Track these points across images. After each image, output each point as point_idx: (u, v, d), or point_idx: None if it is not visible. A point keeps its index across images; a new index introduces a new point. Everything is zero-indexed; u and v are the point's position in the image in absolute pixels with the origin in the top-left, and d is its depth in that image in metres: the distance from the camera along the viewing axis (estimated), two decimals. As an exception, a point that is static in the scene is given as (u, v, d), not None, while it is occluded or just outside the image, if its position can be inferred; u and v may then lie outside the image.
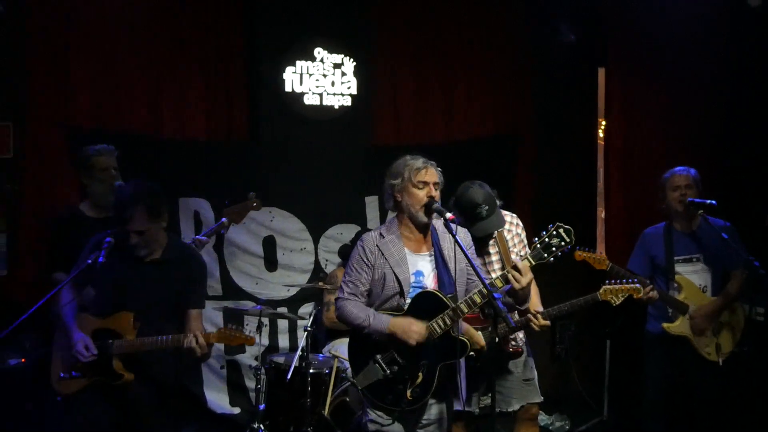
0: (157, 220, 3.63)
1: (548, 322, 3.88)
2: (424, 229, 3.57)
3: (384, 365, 3.44)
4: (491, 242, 4.07)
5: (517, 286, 3.38)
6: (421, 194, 3.48)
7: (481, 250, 4.04)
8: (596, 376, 6.26)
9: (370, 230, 5.77)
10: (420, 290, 3.50)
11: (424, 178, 3.49)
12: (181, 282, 3.69)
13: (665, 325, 4.64)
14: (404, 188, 3.50)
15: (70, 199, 5.42)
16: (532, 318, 3.86)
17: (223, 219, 4.82)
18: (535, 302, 4.02)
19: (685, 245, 4.69)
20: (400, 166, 3.54)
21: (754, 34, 6.07)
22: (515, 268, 3.39)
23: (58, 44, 5.47)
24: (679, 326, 4.62)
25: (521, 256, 4.13)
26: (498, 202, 3.93)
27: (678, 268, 4.69)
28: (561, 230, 3.44)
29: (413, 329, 3.39)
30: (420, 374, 3.42)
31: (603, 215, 7.00)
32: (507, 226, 4.12)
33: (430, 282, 3.54)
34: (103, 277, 3.54)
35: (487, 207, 3.82)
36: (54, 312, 3.69)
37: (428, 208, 3.48)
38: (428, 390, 3.45)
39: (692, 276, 4.67)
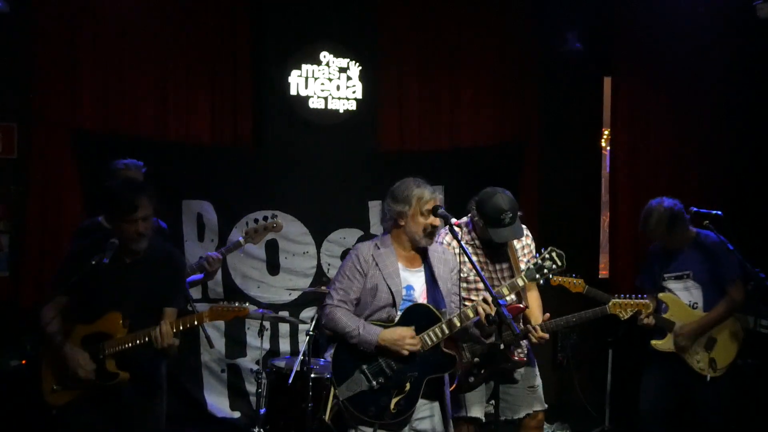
0: (154, 209, 3.63)
1: (547, 335, 3.92)
2: (420, 249, 3.61)
3: (370, 376, 3.42)
4: (501, 251, 4.07)
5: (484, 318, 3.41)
6: (427, 222, 3.51)
7: (493, 257, 4.04)
8: (598, 385, 6.24)
9: (373, 235, 5.81)
10: (411, 303, 3.51)
11: (431, 207, 3.52)
12: (162, 281, 3.68)
13: (653, 342, 4.66)
14: (411, 216, 3.52)
15: (73, 201, 5.44)
16: (531, 330, 3.90)
17: (240, 238, 4.75)
18: (536, 315, 4.06)
19: (677, 262, 4.68)
20: (408, 195, 3.52)
21: (762, 44, 6.05)
22: (485, 300, 3.41)
23: (65, 46, 5.48)
24: (665, 343, 4.62)
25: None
26: (518, 213, 3.94)
27: (670, 284, 4.69)
28: (554, 254, 3.65)
29: (407, 341, 3.37)
30: (407, 386, 3.39)
31: (607, 223, 6.99)
32: None
33: (419, 297, 3.56)
34: (89, 281, 3.51)
35: (510, 215, 3.84)
36: (40, 329, 3.65)
37: (433, 213, 3.50)
38: (413, 403, 3.42)
39: (683, 293, 4.67)
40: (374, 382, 3.41)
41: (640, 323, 4.47)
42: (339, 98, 6.11)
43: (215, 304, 3.71)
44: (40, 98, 5.44)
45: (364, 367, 3.43)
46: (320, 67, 6.06)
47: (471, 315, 3.43)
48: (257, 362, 5.43)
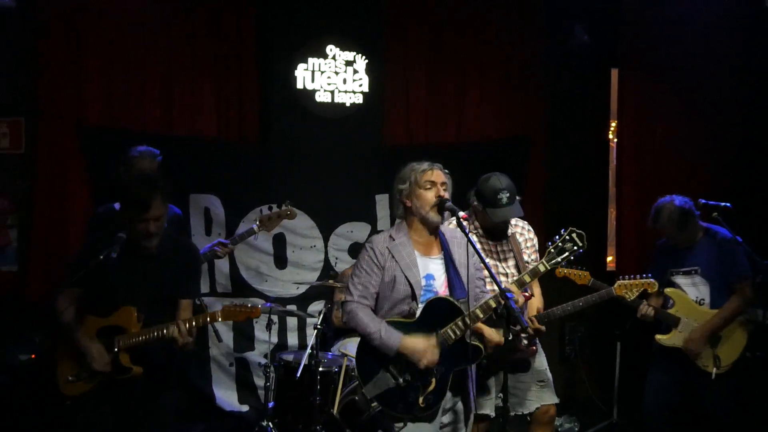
0: (167, 207, 3.65)
1: (543, 327, 3.93)
2: (434, 231, 3.55)
3: (396, 373, 3.39)
4: (504, 241, 4.08)
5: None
6: (430, 195, 3.48)
7: (497, 246, 4.05)
8: (606, 378, 6.23)
9: (380, 230, 5.81)
10: (432, 295, 3.46)
11: (431, 178, 3.50)
12: (177, 273, 3.70)
13: (657, 336, 4.66)
14: (412, 192, 3.50)
15: (80, 196, 5.46)
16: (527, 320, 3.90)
17: (254, 226, 4.79)
18: (536, 307, 4.08)
19: (685, 258, 4.67)
20: (407, 172, 3.56)
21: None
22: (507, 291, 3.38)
23: (71, 40, 5.48)
24: (670, 338, 4.61)
25: (533, 259, 4.15)
26: (516, 197, 3.95)
27: (678, 279, 4.68)
28: (574, 235, 3.52)
29: (427, 356, 3.34)
30: (433, 381, 3.37)
31: (614, 216, 6.97)
32: (519, 230, 4.17)
33: (440, 285, 3.50)
34: (101, 274, 3.53)
35: (508, 194, 3.86)
36: (53, 320, 3.67)
37: (440, 208, 3.46)
38: (441, 396, 3.41)
39: (690, 288, 4.66)
40: (401, 379, 3.38)
41: (640, 315, 4.47)
42: (345, 92, 6.10)
43: (228, 304, 3.71)
44: (46, 93, 5.44)
45: (389, 365, 3.40)
46: (326, 61, 6.05)
47: (493, 305, 3.38)
48: (265, 356, 5.45)
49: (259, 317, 3.84)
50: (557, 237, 3.52)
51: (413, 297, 3.44)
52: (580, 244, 3.49)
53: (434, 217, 3.49)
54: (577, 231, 3.51)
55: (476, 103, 6.52)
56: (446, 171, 3.58)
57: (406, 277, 3.44)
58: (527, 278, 3.58)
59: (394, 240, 3.51)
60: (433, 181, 3.49)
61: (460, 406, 3.53)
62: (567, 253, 3.49)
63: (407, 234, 3.53)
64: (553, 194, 6.64)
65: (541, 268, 3.55)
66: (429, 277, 3.49)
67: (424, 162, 3.57)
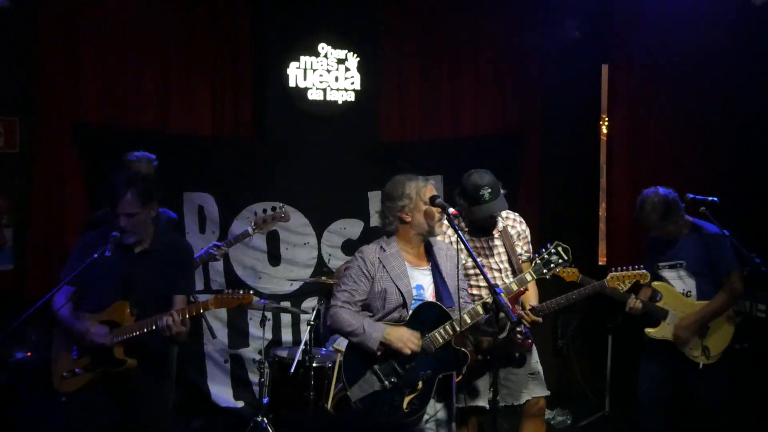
0: (147, 207, 3.68)
1: (539, 319, 4.00)
2: (424, 241, 3.62)
3: (382, 375, 3.42)
4: (497, 235, 4.13)
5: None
6: (432, 209, 3.53)
7: (488, 243, 4.11)
8: (598, 371, 6.29)
9: (373, 226, 5.85)
10: (420, 302, 3.52)
11: (432, 193, 3.56)
12: (170, 270, 3.76)
13: (647, 330, 4.69)
14: (416, 207, 3.54)
15: (76, 194, 5.48)
16: (522, 314, 3.95)
17: (248, 228, 4.85)
18: (533, 301, 4.13)
19: (670, 252, 4.70)
20: (404, 189, 3.57)
21: (758, 31, 6.06)
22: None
23: (66, 40, 5.50)
24: (659, 331, 4.65)
25: (525, 251, 4.20)
26: (501, 191, 4.00)
27: (664, 273, 4.72)
28: (560, 248, 3.69)
29: (412, 339, 3.38)
30: (419, 384, 3.41)
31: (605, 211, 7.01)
32: (511, 223, 4.22)
33: (429, 296, 3.57)
34: (96, 273, 3.59)
35: (490, 190, 3.92)
36: (50, 316, 3.73)
37: (432, 203, 3.52)
38: (425, 401, 3.44)
39: (676, 281, 4.70)
40: (386, 382, 3.41)
41: (628, 308, 4.52)
42: (337, 90, 6.12)
43: (220, 293, 3.78)
44: (42, 92, 5.46)
45: (376, 367, 3.43)
46: (318, 59, 6.07)
47: (481, 311, 3.45)
48: (260, 352, 5.48)
49: (250, 304, 3.87)
50: (543, 249, 3.69)
51: (404, 305, 3.50)
52: (566, 258, 3.68)
53: (439, 228, 3.59)
54: (563, 245, 3.70)
55: (470, 99, 6.55)
56: (433, 183, 3.68)
57: (397, 286, 3.50)
58: (515, 287, 3.70)
59: (384, 251, 3.57)
60: (436, 196, 3.55)
61: (443, 413, 3.56)
62: (552, 265, 3.68)
63: (397, 245, 3.59)
64: (546, 189, 6.67)
65: (528, 278, 3.69)
66: (418, 287, 3.56)
67: (417, 177, 3.60)
